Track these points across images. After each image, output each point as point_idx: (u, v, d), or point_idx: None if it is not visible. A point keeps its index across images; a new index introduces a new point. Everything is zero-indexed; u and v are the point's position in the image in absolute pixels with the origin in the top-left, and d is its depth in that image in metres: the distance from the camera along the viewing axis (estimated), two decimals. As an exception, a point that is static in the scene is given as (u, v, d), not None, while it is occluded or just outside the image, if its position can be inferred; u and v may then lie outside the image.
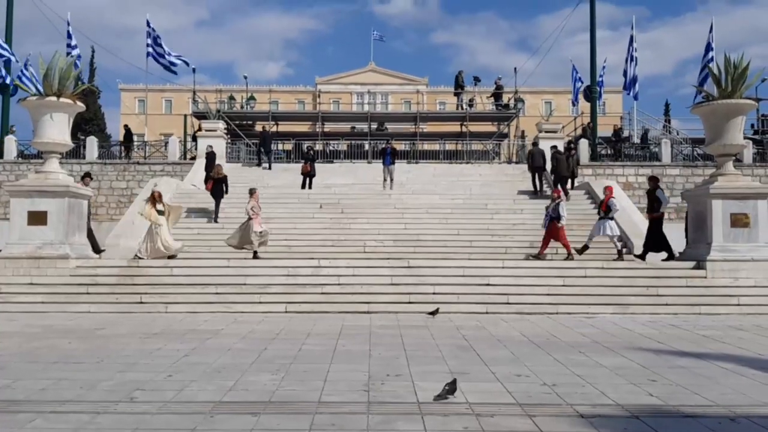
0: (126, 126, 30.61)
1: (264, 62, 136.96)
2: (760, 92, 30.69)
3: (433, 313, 11.71)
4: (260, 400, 5.67)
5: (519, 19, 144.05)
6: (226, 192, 18.53)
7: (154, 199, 15.17)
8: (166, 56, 31.65)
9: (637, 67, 30.47)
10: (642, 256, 15.33)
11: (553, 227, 15.38)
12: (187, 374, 6.70)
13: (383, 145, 24.48)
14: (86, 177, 17.49)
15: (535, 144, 22.86)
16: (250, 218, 15.42)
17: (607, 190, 16.08)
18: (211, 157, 22.10)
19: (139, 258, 14.73)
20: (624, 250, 15.77)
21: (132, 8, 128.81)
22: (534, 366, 7.22)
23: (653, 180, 16.15)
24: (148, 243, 14.97)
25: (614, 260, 14.98)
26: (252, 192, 16.11)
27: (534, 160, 21.23)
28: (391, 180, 22.26)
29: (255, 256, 15.19)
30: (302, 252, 15.72)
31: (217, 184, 18.20)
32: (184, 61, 32.54)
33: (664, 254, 15.17)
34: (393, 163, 22.53)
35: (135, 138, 31.29)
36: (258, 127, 37.14)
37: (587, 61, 29.26)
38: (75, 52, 28.28)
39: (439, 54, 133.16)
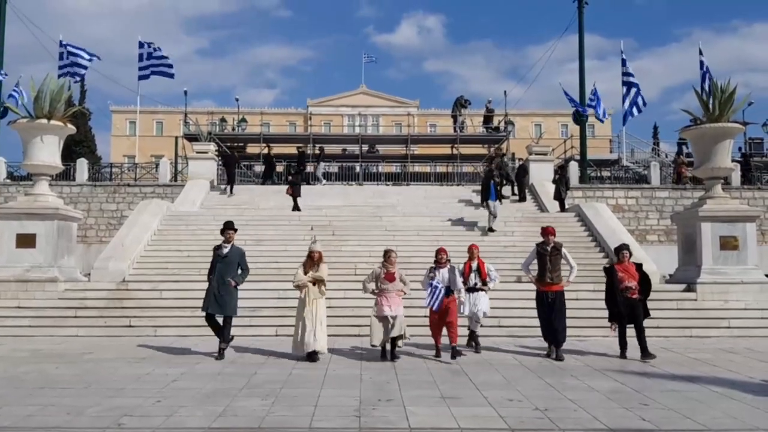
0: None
1: (260, 89, 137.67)
2: (747, 116, 31.08)
3: None
4: (250, 426, 5.61)
5: (511, 49, 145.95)
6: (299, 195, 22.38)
7: (312, 261, 10.14)
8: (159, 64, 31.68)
9: (632, 91, 30.45)
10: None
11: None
12: (176, 399, 6.63)
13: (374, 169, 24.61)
14: None
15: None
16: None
17: (473, 248, 10.98)
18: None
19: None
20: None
21: (135, 38, 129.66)
22: (526, 390, 7.19)
23: (549, 233, 10.30)
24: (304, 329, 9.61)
25: (474, 352, 10.24)
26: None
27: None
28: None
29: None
30: (293, 274, 15.62)
31: (294, 187, 22.68)
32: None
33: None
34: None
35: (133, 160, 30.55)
36: (250, 149, 37.23)
37: (577, 87, 29.58)
38: (82, 71, 28.61)
39: (432, 81, 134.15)
